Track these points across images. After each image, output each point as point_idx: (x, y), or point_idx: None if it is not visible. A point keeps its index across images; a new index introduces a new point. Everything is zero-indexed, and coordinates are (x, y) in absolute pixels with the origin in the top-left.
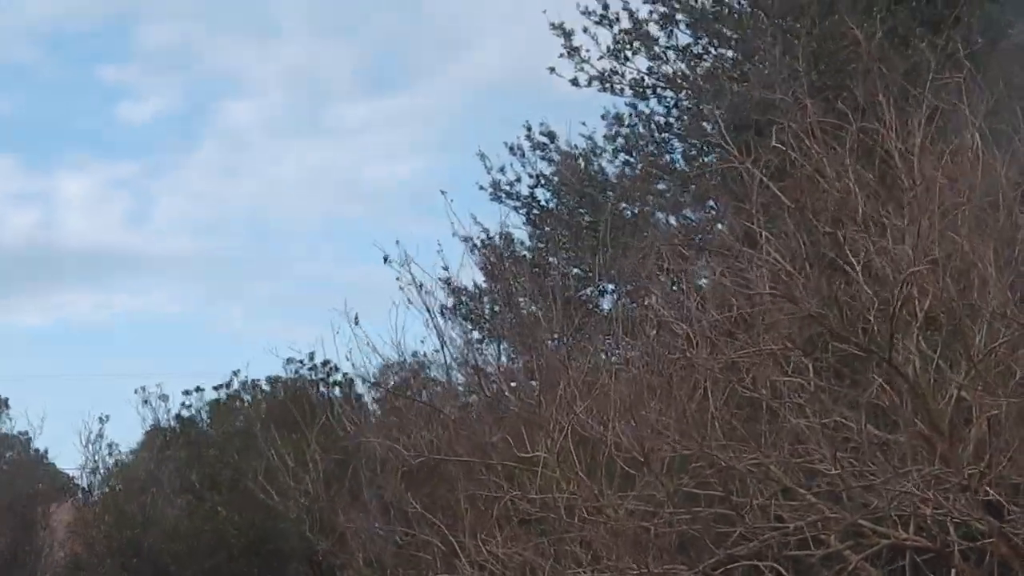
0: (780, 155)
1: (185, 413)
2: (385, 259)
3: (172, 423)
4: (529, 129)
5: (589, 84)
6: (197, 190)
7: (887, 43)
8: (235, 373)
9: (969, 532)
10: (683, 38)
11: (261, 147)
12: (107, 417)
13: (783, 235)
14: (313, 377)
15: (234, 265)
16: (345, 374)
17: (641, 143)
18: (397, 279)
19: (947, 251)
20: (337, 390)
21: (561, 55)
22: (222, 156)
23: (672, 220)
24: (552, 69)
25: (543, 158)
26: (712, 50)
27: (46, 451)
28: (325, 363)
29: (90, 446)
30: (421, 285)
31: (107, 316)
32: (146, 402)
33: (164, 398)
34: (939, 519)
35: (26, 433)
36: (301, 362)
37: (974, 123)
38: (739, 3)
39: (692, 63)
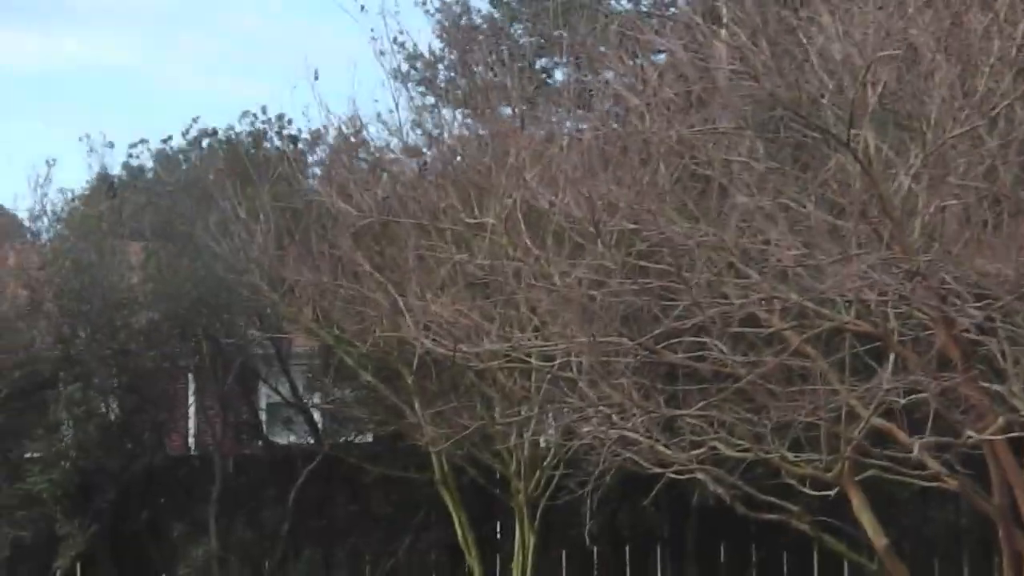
0: None
1: (134, 163)
2: (362, 7)
3: (120, 172)
4: None
5: None
6: None
7: None
8: (194, 121)
9: (911, 322)
10: None
11: None
12: (54, 161)
13: (744, 14)
14: (267, 130)
15: (183, 17)
16: (299, 129)
17: None
18: (371, 31)
19: (899, 40)
20: (291, 145)
21: None
22: None
23: None
24: None
25: None
26: None
27: None
28: (280, 117)
29: (39, 190)
30: (390, 41)
31: (54, 63)
32: (92, 150)
33: (110, 145)
34: (881, 306)
35: None
36: (255, 115)
37: None
38: None
39: None
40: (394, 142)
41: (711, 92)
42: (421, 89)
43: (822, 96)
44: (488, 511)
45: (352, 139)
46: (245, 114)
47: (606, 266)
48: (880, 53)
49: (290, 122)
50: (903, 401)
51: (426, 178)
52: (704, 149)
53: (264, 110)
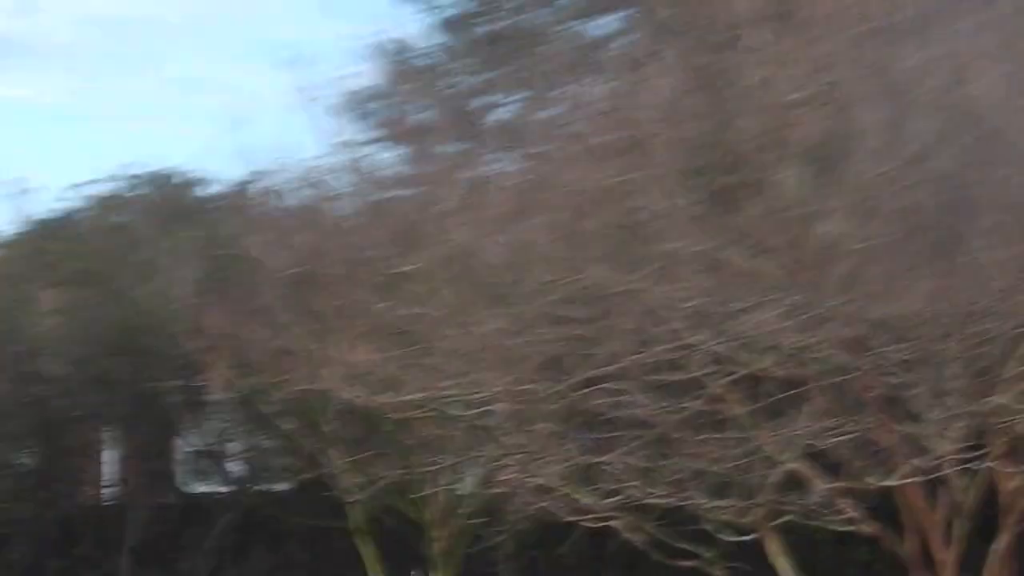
0: None
1: (61, 207)
2: (289, 63)
3: (45, 216)
4: None
5: None
6: None
7: None
8: (120, 166)
9: (828, 367)
10: None
11: None
12: None
13: (678, 58)
14: (193, 178)
15: (116, 60)
16: (226, 177)
17: None
18: (297, 82)
19: (827, 82)
20: (216, 193)
21: None
22: None
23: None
24: None
25: None
26: None
27: None
28: (200, 168)
29: None
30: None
31: None
32: (13, 195)
33: (26, 191)
34: (798, 352)
35: None
36: (170, 169)
37: None
38: None
39: None
40: (320, 188)
41: (640, 139)
42: (358, 126)
43: (749, 139)
44: (408, 560)
45: (277, 188)
46: (171, 161)
47: (526, 315)
48: (798, 95)
49: (208, 181)
50: (820, 445)
51: (351, 224)
52: (631, 196)
53: (190, 159)
